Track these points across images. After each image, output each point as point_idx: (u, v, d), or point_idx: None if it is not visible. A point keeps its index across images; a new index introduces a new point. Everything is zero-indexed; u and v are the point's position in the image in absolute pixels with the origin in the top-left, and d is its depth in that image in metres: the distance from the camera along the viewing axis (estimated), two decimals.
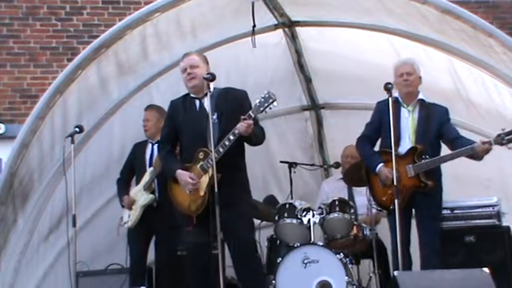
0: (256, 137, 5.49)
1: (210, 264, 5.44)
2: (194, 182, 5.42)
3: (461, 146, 5.67)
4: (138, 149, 6.86)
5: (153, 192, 6.65)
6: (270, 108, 5.28)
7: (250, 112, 5.27)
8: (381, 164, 5.84)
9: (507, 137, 5.46)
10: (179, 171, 5.52)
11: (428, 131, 5.81)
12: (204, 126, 5.42)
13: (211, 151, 5.30)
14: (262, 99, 5.24)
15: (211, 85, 5.48)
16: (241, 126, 5.26)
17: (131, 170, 6.88)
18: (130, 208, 6.66)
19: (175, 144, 5.76)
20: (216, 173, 5.28)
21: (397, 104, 5.83)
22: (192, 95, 5.66)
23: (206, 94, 5.50)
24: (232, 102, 5.53)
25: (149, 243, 6.72)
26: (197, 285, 5.45)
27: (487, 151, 5.56)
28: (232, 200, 5.36)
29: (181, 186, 5.52)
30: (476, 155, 5.60)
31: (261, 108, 5.26)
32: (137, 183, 6.80)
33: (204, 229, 5.36)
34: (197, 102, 5.62)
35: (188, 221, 5.47)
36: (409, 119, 5.88)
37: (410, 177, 5.72)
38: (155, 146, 6.70)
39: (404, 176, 5.70)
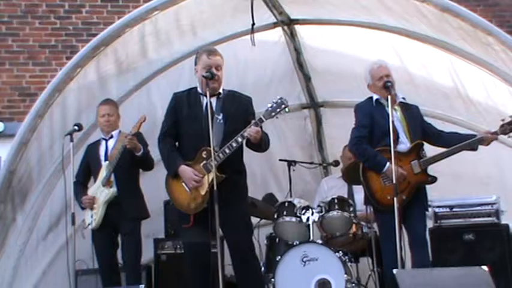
0: (265, 143, 5.44)
1: (210, 263, 5.42)
2: (198, 179, 5.35)
3: (455, 138, 5.81)
4: (92, 150, 6.58)
5: (111, 187, 6.35)
6: (281, 113, 5.20)
7: (261, 116, 5.17)
8: (389, 163, 5.80)
9: (510, 127, 5.71)
10: (183, 167, 5.42)
11: (416, 128, 5.86)
12: (207, 126, 5.30)
13: (216, 151, 5.26)
14: (275, 105, 5.17)
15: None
16: (251, 131, 5.18)
17: (87, 171, 6.58)
18: (92, 207, 6.36)
19: (175, 139, 5.62)
20: (221, 174, 5.26)
21: (380, 105, 5.83)
22: (198, 90, 5.57)
23: (218, 94, 5.48)
24: (238, 106, 5.48)
25: (117, 240, 6.46)
26: (197, 284, 5.44)
27: (493, 140, 5.80)
28: (233, 202, 5.36)
29: (185, 182, 5.44)
30: (483, 144, 5.78)
31: (273, 113, 5.19)
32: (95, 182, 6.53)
33: (203, 228, 5.30)
34: (203, 99, 5.50)
35: (186, 219, 5.45)
36: (399, 119, 5.86)
37: (416, 173, 5.73)
38: (109, 142, 6.47)
39: (410, 172, 5.70)
